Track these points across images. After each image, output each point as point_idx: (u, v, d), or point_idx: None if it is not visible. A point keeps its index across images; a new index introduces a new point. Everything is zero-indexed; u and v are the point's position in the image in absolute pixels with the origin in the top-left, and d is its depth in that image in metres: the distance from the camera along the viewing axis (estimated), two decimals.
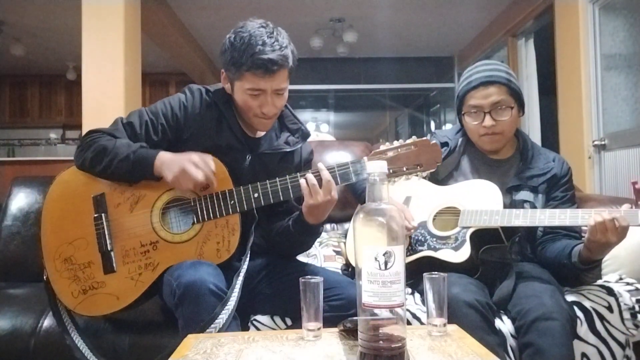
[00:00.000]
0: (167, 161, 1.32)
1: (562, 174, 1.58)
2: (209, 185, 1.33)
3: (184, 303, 1.17)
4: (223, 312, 1.16)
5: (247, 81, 1.35)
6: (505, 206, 1.47)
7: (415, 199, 1.62)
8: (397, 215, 0.82)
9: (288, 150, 1.48)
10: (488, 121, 1.53)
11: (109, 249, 1.34)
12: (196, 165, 1.29)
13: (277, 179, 1.32)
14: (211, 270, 1.24)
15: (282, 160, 1.49)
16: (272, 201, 1.33)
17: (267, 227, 1.49)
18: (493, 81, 1.52)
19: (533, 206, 1.51)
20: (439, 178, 1.63)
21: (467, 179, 1.60)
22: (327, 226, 2.15)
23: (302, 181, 1.28)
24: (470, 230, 1.43)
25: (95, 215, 1.35)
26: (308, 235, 1.42)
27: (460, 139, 1.66)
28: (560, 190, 1.57)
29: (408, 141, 1.29)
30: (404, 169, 1.27)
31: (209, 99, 1.45)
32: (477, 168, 1.62)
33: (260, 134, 1.51)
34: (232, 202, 1.33)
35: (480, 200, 1.48)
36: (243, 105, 1.40)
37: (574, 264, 1.41)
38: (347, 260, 1.78)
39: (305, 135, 1.53)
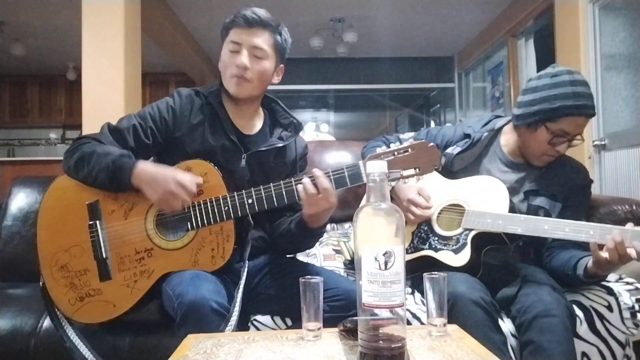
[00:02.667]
0: (148, 178, 1.28)
1: (582, 185, 1.56)
2: (203, 191, 1.33)
3: (187, 324, 1.15)
4: (227, 329, 1.15)
5: (229, 37, 1.41)
6: (520, 210, 1.45)
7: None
8: (398, 215, 0.82)
9: (282, 145, 1.47)
10: (563, 148, 1.49)
11: (104, 256, 1.33)
12: (183, 186, 1.27)
13: (272, 185, 1.31)
14: (212, 286, 1.22)
15: (277, 156, 1.48)
16: (266, 207, 1.32)
17: (269, 225, 1.49)
18: (591, 113, 1.47)
19: (547, 213, 1.48)
20: (454, 170, 1.60)
21: (481, 175, 1.57)
22: (327, 226, 2.14)
23: (299, 188, 1.27)
24: (473, 233, 1.42)
25: (90, 223, 1.34)
26: (310, 237, 1.42)
27: (485, 134, 1.61)
28: (577, 200, 1.54)
29: (405, 144, 1.27)
30: (402, 173, 1.26)
31: (200, 100, 1.45)
32: (496, 167, 1.59)
33: (254, 130, 1.50)
34: (226, 208, 1.31)
35: (486, 199, 1.46)
36: (223, 65, 1.43)
37: (577, 276, 1.39)
38: (351, 256, 1.78)
39: (297, 127, 1.52)
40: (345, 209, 2.04)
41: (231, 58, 1.40)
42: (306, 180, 1.26)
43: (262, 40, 1.40)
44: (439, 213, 1.54)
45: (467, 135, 1.62)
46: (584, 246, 1.45)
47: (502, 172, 1.58)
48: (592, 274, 1.35)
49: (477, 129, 1.62)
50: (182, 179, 1.28)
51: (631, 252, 1.23)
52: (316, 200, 1.26)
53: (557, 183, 1.52)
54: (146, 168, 1.30)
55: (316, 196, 1.25)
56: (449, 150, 1.61)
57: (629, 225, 1.27)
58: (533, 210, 1.49)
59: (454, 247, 1.43)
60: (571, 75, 1.46)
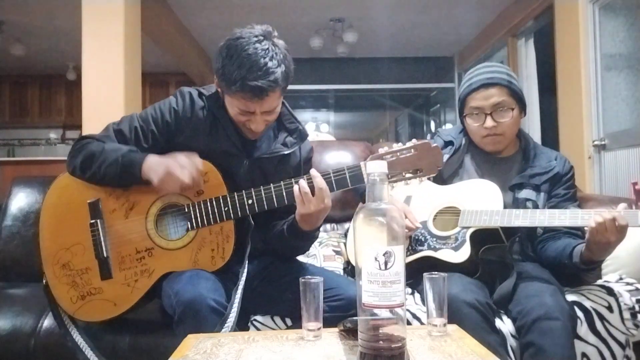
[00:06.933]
0: (154, 164, 1.29)
1: (564, 172, 1.58)
2: (203, 191, 1.33)
3: (184, 321, 1.15)
4: (223, 329, 1.15)
5: (236, 100, 1.31)
6: (507, 204, 1.47)
7: (415, 198, 1.62)
8: (397, 215, 0.82)
9: (286, 152, 1.44)
10: (489, 122, 1.54)
11: (105, 255, 1.34)
12: (182, 166, 1.27)
13: (272, 186, 1.31)
14: (210, 284, 1.23)
15: (280, 163, 1.45)
16: (266, 208, 1.31)
17: (266, 228, 1.48)
18: (494, 83, 1.53)
19: (535, 204, 1.52)
20: (445, 177, 1.64)
21: (471, 177, 1.61)
22: (327, 226, 2.15)
23: (295, 188, 1.27)
24: (470, 231, 1.43)
25: (91, 222, 1.35)
26: (302, 240, 1.41)
27: (463, 138, 1.67)
28: (562, 187, 1.57)
29: (408, 144, 1.24)
30: (404, 174, 1.24)
31: (202, 102, 1.41)
32: (480, 166, 1.63)
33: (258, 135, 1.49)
34: (226, 208, 1.31)
35: (480, 200, 1.48)
36: (233, 117, 1.37)
37: (575, 264, 1.41)
38: (347, 259, 1.79)
39: (303, 135, 1.48)
40: (346, 209, 2.04)
41: (243, 117, 1.34)
42: (302, 180, 1.27)
43: (274, 99, 1.31)
44: (435, 216, 1.56)
45: (450, 142, 1.68)
46: (575, 235, 1.49)
47: (486, 170, 1.62)
48: (587, 259, 1.38)
49: (456, 136, 1.69)
50: (180, 159, 1.28)
51: (621, 221, 1.26)
52: (309, 200, 1.25)
53: (539, 174, 1.56)
54: (154, 158, 1.31)
55: (310, 196, 1.25)
56: None
57: (621, 206, 1.30)
58: (521, 203, 1.52)
59: (454, 245, 1.44)
60: (484, 65, 1.60)
